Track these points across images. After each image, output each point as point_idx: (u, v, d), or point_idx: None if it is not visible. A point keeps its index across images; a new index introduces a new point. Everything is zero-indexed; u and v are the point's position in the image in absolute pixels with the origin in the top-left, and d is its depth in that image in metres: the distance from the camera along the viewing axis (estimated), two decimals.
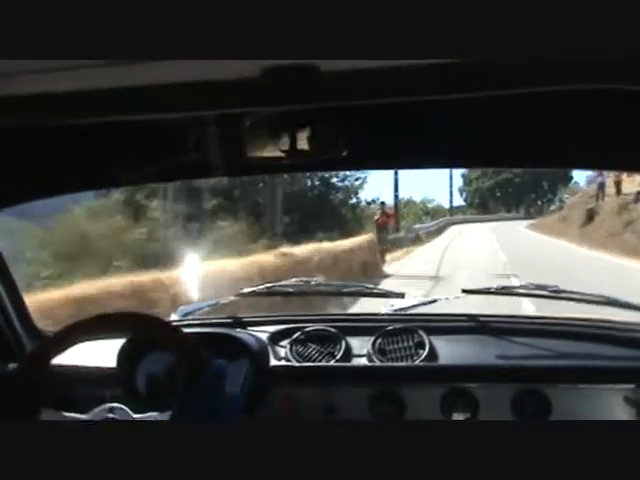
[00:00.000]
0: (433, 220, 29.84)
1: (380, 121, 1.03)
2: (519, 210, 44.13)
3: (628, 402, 1.30)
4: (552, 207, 37.58)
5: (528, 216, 37.86)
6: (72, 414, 1.11)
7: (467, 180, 44.86)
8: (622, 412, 1.30)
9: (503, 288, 1.63)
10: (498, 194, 45.82)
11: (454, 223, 31.12)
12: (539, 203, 44.74)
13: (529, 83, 0.71)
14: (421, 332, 1.51)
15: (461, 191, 49.16)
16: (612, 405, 1.32)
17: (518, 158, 1.18)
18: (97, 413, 1.12)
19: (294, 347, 1.53)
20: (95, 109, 0.81)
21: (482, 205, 46.35)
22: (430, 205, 36.58)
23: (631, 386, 1.32)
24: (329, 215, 16.92)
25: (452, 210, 39.10)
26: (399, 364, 1.46)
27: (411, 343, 1.49)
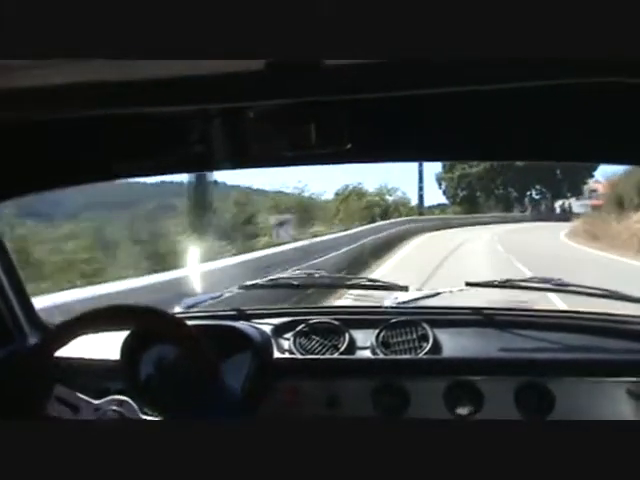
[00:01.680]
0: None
1: (384, 114, 1.03)
2: (525, 207, 33.85)
3: (631, 395, 1.30)
4: (583, 202, 30.46)
5: (539, 216, 29.39)
6: (85, 397, 1.12)
7: (447, 164, 30.71)
8: (625, 405, 1.30)
9: (507, 281, 1.63)
10: (492, 186, 32.63)
11: (426, 229, 18.86)
12: (548, 197, 33.93)
13: (531, 77, 0.70)
14: (425, 325, 1.51)
15: (439, 180, 33.46)
16: (615, 398, 1.32)
17: (522, 151, 1.17)
18: (104, 403, 1.12)
19: (297, 340, 1.53)
20: (99, 102, 0.81)
21: (470, 200, 32.41)
22: (391, 197, 22.57)
23: (634, 379, 1.31)
24: None
25: (422, 208, 25.36)
26: (403, 357, 1.47)
27: (415, 336, 1.49)
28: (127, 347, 1.33)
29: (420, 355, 1.45)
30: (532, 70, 0.68)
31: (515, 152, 1.21)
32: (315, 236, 11.42)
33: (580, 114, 0.98)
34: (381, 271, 9.86)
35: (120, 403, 1.12)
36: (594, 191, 33.51)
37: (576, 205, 32.92)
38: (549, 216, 29.87)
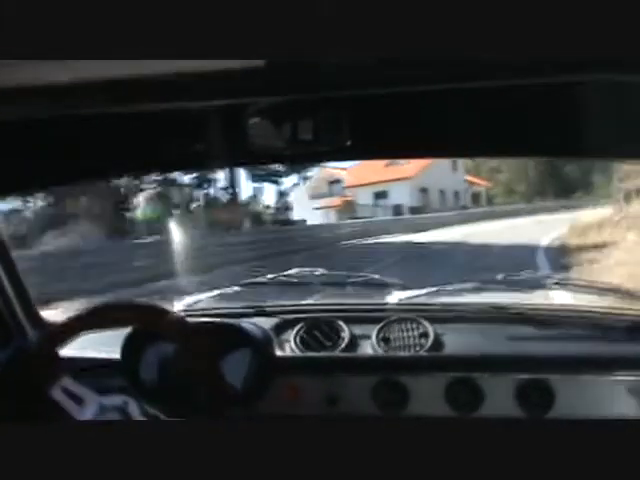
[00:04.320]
0: None
1: (384, 111, 1.03)
2: None
3: (632, 392, 1.30)
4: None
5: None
6: (91, 391, 1.12)
7: None
8: (626, 402, 1.30)
9: (507, 277, 1.63)
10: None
11: None
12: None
13: (533, 74, 0.70)
14: (425, 322, 1.51)
15: None
16: (616, 395, 1.32)
17: (521, 148, 1.17)
18: (108, 399, 1.13)
19: (298, 336, 1.54)
20: (98, 100, 0.81)
21: None
22: None
23: (635, 376, 1.31)
24: None
25: None
26: (403, 354, 1.47)
27: (415, 333, 1.49)
28: (128, 345, 1.33)
29: (421, 352, 1.45)
30: (533, 68, 0.68)
31: (517, 148, 1.21)
32: None
33: (579, 111, 0.98)
34: None
35: (125, 402, 1.12)
36: (337, 182, 20.73)
37: (307, 206, 19.57)
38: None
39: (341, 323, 1.55)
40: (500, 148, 1.20)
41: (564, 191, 34.85)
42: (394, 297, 1.68)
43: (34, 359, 1.13)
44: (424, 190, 27.57)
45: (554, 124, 1.04)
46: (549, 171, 36.54)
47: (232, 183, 17.15)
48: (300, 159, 1.25)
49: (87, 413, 1.07)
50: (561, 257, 9.39)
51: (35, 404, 1.08)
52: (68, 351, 1.17)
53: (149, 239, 12.10)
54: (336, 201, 22.48)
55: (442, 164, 25.84)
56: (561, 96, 0.92)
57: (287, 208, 19.41)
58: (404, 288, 1.70)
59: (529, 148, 1.16)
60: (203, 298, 1.80)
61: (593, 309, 1.56)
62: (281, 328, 1.58)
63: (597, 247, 9.74)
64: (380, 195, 26.18)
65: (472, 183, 33.24)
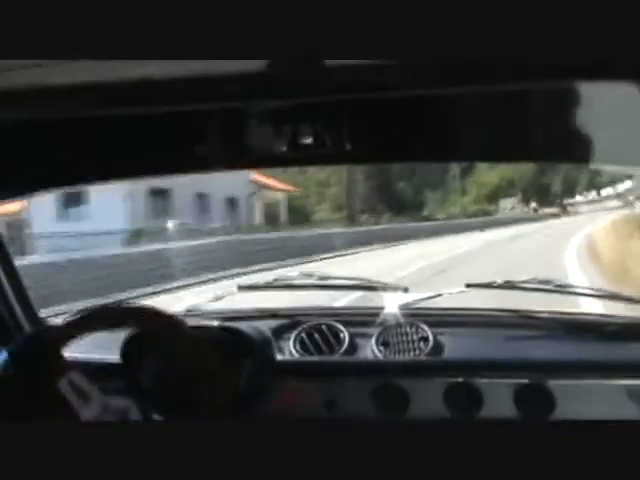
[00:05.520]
0: None
1: (384, 114, 1.03)
2: None
3: (631, 397, 1.30)
4: None
5: None
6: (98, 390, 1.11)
7: None
8: (625, 407, 1.30)
9: (507, 283, 1.63)
10: None
11: None
12: None
13: (525, 78, 0.71)
14: (425, 326, 1.51)
15: None
16: (615, 400, 1.31)
17: (521, 152, 1.17)
18: (113, 401, 1.12)
19: (297, 340, 1.54)
20: (99, 101, 0.81)
21: None
22: None
23: (635, 381, 1.31)
24: None
25: None
26: (403, 358, 1.47)
27: (415, 337, 1.49)
28: (127, 348, 1.33)
29: (420, 356, 1.45)
30: (532, 72, 0.69)
31: (516, 153, 1.21)
32: None
33: (578, 116, 0.98)
34: None
35: (128, 407, 1.12)
36: None
37: None
38: None
39: (341, 327, 1.55)
40: (500, 152, 1.20)
41: (401, 209, 30.40)
42: (394, 301, 1.68)
43: (41, 353, 1.13)
44: (157, 193, 15.05)
45: (555, 128, 1.04)
46: (380, 187, 31.87)
47: None
48: (300, 162, 1.25)
49: (91, 411, 1.07)
50: None
51: (41, 393, 1.07)
52: (68, 352, 1.16)
53: None
54: None
55: None
56: (568, 100, 0.92)
57: None
58: (404, 292, 1.69)
59: (529, 152, 1.16)
60: (204, 301, 1.80)
61: (592, 314, 1.56)
62: (281, 331, 1.58)
63: None
64: (72, 201, 13.87)
65: (265, 186, 19.25)
